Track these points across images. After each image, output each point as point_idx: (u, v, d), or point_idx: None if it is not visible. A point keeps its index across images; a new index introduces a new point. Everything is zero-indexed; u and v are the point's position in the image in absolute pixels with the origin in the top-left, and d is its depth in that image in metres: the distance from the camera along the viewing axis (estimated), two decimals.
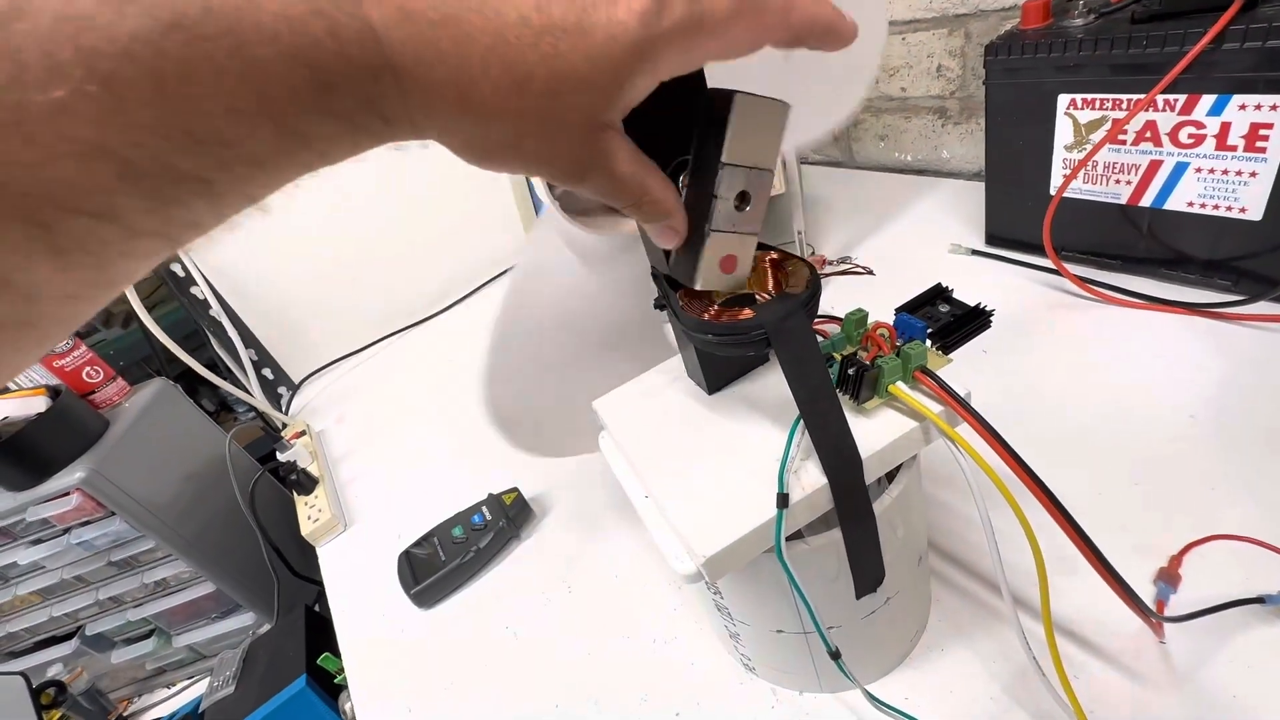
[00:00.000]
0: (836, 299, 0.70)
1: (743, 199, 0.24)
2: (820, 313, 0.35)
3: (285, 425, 0.88)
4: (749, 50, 0.20)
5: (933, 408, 0.28)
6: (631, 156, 0.21)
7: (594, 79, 0.17)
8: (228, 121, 0.14)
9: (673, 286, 0.30)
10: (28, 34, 0.11)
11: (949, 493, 0.45)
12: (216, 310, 0.94)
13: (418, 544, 0.58)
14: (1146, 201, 0.54)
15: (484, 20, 0.16)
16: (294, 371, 1.03)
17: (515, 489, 0.59)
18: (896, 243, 0.76)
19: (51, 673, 1.00)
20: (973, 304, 0.32)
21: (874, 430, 0.28)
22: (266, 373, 1.03)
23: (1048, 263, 0.59)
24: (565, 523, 0.57)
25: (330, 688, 0.74)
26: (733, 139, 0.22)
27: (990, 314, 0.31)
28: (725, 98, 0.22)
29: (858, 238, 0.79)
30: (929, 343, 0.31)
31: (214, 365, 0.98)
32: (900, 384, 0.28)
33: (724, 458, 0.30)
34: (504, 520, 0.56)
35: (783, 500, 0.26)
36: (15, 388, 0.81)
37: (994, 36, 0.58)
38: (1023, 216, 0.62)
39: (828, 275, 0.72)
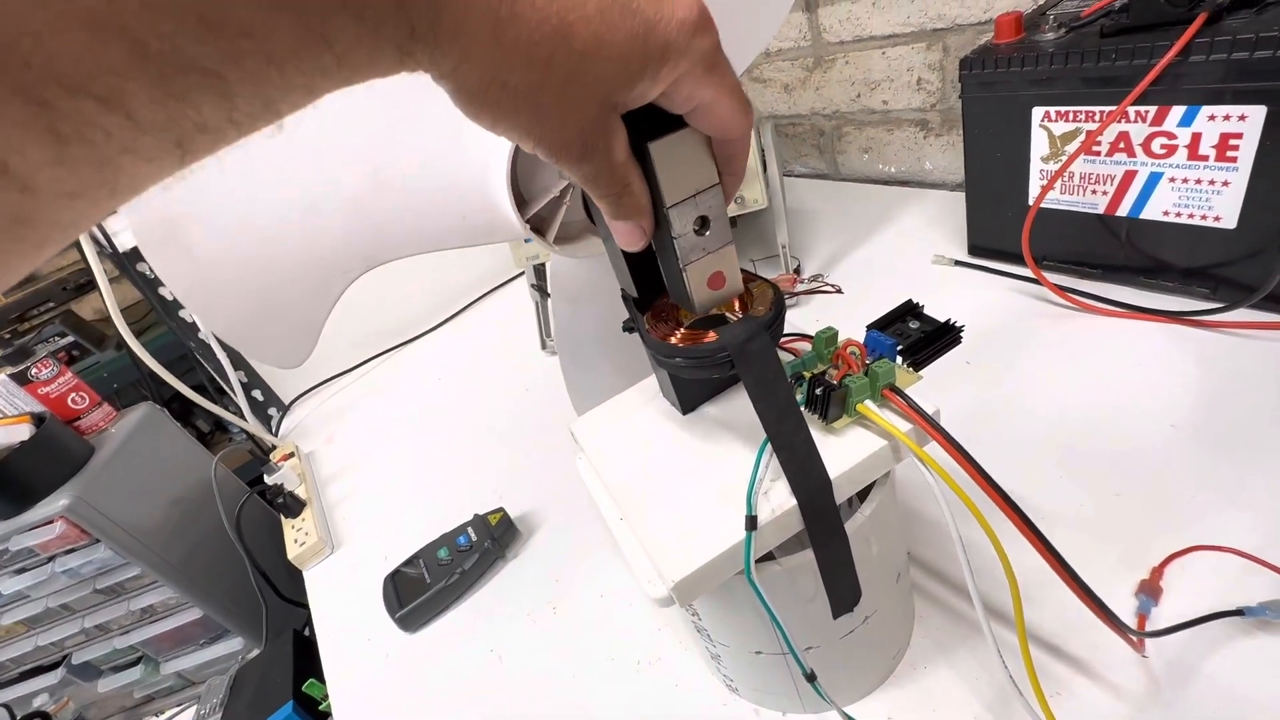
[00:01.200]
0: (821, 313, 0.70)
1: (702, 224, 0.24)
2: (797, 331, 0.35)
3: (275, 447, 0.87)
4: (714, 126, 0.23)
5: (901, 426, 0.28)
6: (626, 147, 0.22)
7: (626, 58, 0.19)
8: (246, 9, 0.13)
9: (640, 309, 0.30)
10: None
11: (934, 507, 0.45)
12: (206, 332, 0.94)
13: (403, 566, 0.57)
14: (1123, 211, 0.54)
15: None
16: (284, 392, 1.02)
17: (501, 509, 0.58)
18: (881, 254, 0.77)
19: (37, 703, 0.98)
20: (943, 320, 0.32)
21: (843, 449, 0.28)
22: (256, 394, 1.03)
23: (1029, 272, 0.59)
24: (551, 542, 0.57)
25: (316, 714, 0.73)
26: (665, 183, 0.23)
27: (960, 330, 0.31)
28: (641, 149, 0.22)
29: (843, 250, 0.79)
30: (900, 359, 0.31)
31: (204, 387, 0.97)
32: (869, 403, 0.28)
33: (696, 479, 0.30)
34: (489, 541, 0.56)
35: (751, 523, 0.26)
36: None
37: (969, 50, 0.58)
38: (1003, 227, 0.63)
39: (799, 294, 0.72)
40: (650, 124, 0.22)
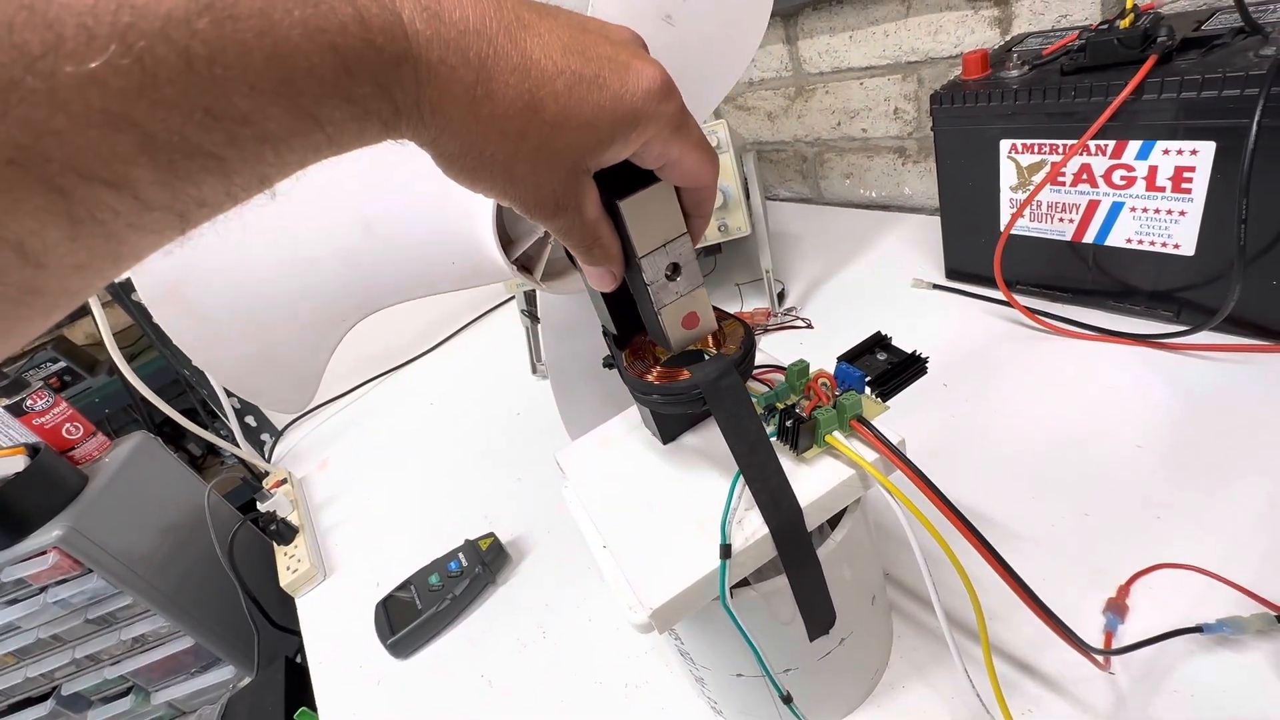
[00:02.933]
0: (804, 339, 0.72)
1: (674, 269, 0.26)
2: (772, 362, 0.37)
3: (268, 473, 0.88)
4: (683, 178, 0.24)
5: (867, 456, 0.29)
6: (597, 204, 0.24)
7: (594, 126, 0.20)
8: (247, 100, 0.14)
9: (619, 346, 0.31)
10: (66, 6, 0.12)
11: (914, 528, 0.46)
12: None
13: (395, 592, 0.58)
14: (1089, 238, 0.56)
15: (514, 46, 0.18)
16: (276, 418, 1.03)
17: (492, 534, 0.59)
18: (864, 278, 0.79)
19: None
20: (909, 351, 0.34)
21: (814, 479, 0.29)
22: (249, 420, 1.04)
23: (1003, 296, 0.61)
24: (541, 567, 0.58)
25: None
26: (636, 236, 0.24)
27: (925, 360, 0.33)
28: (613, 207, 0.24)
29: (827, 273, 0.81)
30: (868, 390, 0.32)
31: (196, 413, 0.98)
32: (837, 434, 0.30)
33: (675, 508, 0.31)
34: (480, 566, 0.57)
35: (725, 551, 0.27)
36: None
37: (941, 84, 0.61)
38: (977, 252, 0.65)
39: (771, 329, 0.74)
40: (620, 179, 0.24)
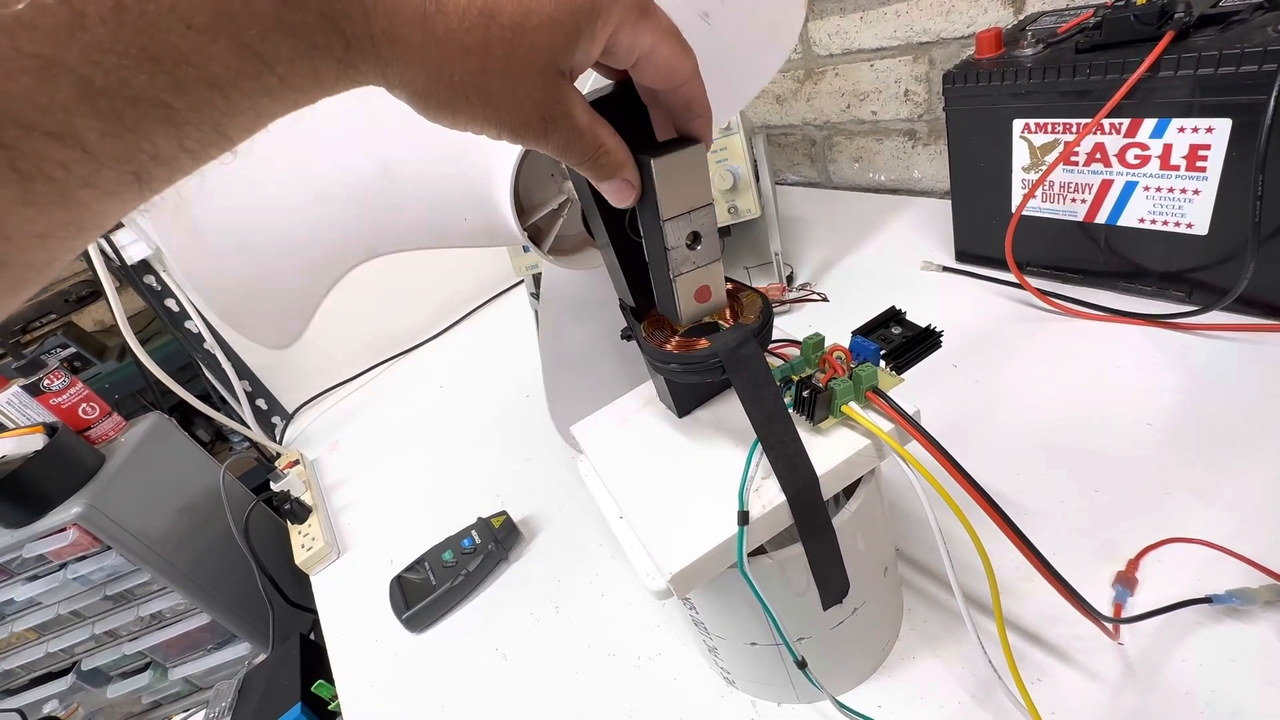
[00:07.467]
0: (812, 319, 0.72)
1: (694, 238, 0.26)
2: (787, 337, 0.37)
3: (279, 455, 0.89)
4: (660, 73, 0.23)
5: (883, 426, 0.29)
6: (587, 108, 0.22)
7: (557, 20, 0.19)
8: (185, 39, 0.14)
9: (637, 318, 0.32)
10: None
11: (920, 506, 0.47)
12: (211, 343, 0.95)
13: (409, 569, 0.59)
14: (1101, 218, 0.56)
15: None
16: (287, 401, 1.04)
17: (504, 512, 0.60)
18: (872, 261, 0.79)
19: (47, 709, 0.99)
20: (924, 325, 0.34)
21: (829, 448, 0.30)
22: (260, 403, 1.04)
23: (1013, 278, 0.61)
24: (553, 544, 0.59)
25: (325, 714, 0.74)
26: (663, 199, 0.24)
27: (940, 334, 0.33)
28: (645, 164, 0.24)
29: (835, 257, 0.81)
30: (883, 363, 0.33)
31: (208, 396, 0.99)
32: (853, 404, 0.30)
33: (692, 478, 0.32)
34: (493, 543, 0.57)
35: (743, 518, 0.28)
36: (12, 425, 0.82)
37: (953, 64, 0.61)
38: (988, 234, 0.65)
39: (788, 302, 0.74)
40: (656, 142, 0.24)
